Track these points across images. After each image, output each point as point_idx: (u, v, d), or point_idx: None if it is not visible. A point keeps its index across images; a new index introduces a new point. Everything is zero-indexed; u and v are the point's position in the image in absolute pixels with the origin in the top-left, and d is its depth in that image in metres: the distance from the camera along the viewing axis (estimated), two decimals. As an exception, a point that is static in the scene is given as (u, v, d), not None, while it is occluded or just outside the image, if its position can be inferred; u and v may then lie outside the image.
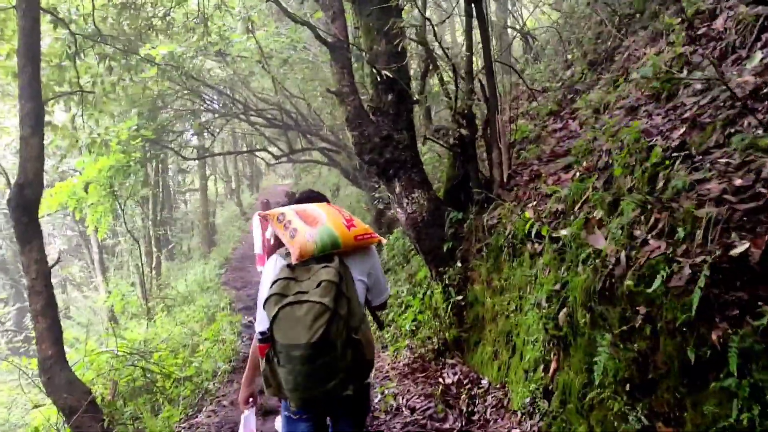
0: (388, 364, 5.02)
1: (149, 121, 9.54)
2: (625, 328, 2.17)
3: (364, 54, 4.85)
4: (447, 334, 4.65)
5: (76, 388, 4.82)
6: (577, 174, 3.73)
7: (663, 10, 5.30)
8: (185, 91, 10.57)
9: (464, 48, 4.85)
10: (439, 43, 4.48)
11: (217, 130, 13.04)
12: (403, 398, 4.28)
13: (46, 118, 7.02)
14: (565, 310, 3.07)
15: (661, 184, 2.69)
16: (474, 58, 4.97)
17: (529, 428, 3.19)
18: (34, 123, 5.08)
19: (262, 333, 2.02)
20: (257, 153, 17.22)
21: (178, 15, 8.41)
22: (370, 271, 2.19)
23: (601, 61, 6.01)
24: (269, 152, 12.42)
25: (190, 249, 20.59)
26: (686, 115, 3.27)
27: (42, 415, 6.45)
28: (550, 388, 3.12)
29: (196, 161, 17.02)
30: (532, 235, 3.48)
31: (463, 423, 3.69)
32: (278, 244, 2.37)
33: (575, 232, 2.90)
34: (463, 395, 3.95)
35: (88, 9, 7.20)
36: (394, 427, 3.91)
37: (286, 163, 17.03)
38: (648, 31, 5.33)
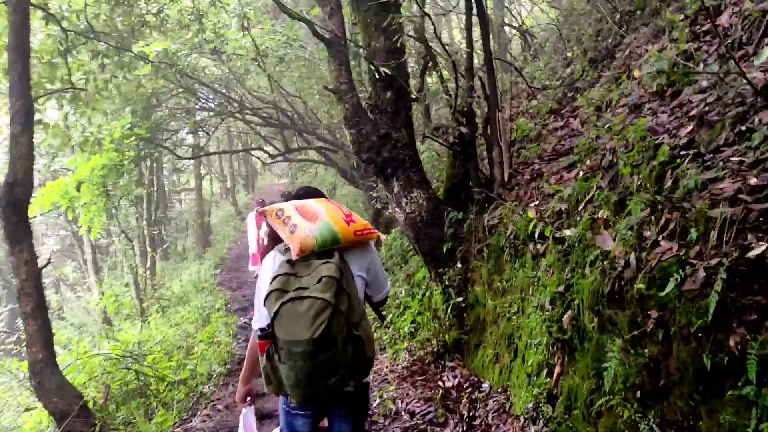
0: (387, 367, 4.93)
1: (143, 120, 9.41)
2: (636, 332, 2.09)
3: (362, 51, 4.76)
4: (447, 337, 4.57)
5: (67, 392, 4.72)
6: (581, 173, 3.65)
7: (664, 7, 5.23)
8: (180, 89, 10.44)
9: (463, 45, 4.77)
10: (439, 39, 4.39)
11: (212, 129, 12.91)
12: (402, 402, 4.20)
13: (38, 116, 6.89)
14: (569, 312, 2.99)
15: (669, 183, 2.61)
16: (473, 56, 4.89)
17: (532, 434, 3.11)
18: (24, 121, 4.97)
19: (262, 329, 2.01)
20: (253, 152, 17.10)
21: (172, 11, 8.29)
22: (369, 267, 2.19)
23: (602, 59, 5.94)
24: (265, 151, 12.31)
25: (185, 249, 20.44)
26: (693, 112, 3.19)
27: (33, 418, 6.34)
28: (554, 392, 3.04)
29: (191, 160, 16.87)
30: (535, 236, 3.40)
31: (465, 428, 3.61)
32: (271, 243, 2.34)
33: (581, 232, 2.82)
34: (464, 399, 3.87)
35: (80, 5, 7.08)
36: (394, 432, 3.83)
37: (282, 162, 16.91)
38: (649, 28, 5.26)
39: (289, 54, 9.27)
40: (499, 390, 3.80)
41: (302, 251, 1.97)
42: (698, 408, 1.87)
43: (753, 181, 2.05)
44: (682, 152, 2.74)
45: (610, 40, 6.02)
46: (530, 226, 3.47)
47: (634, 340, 2.12)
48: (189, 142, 16.04)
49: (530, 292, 3.63)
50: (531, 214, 3.61)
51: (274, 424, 4.16)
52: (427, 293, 5.17)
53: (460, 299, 4.50)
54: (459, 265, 4.52)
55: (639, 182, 2.82)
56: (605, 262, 2.40)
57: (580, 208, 3.34)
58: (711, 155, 2.55)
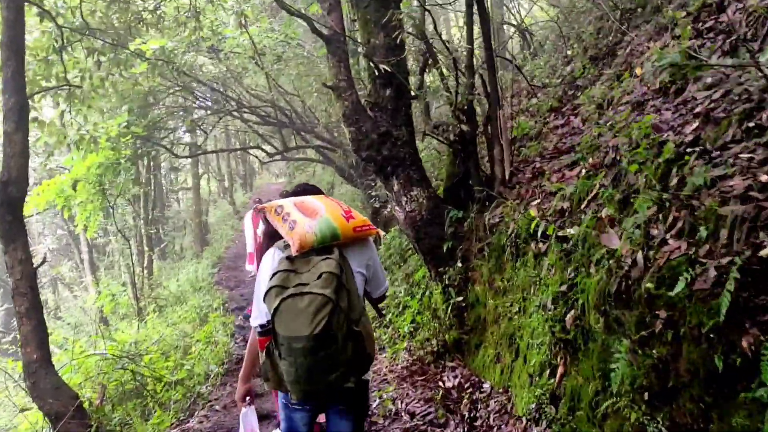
0: (386, 367, 4.88)
1: (140, 118, 9.33)
2: (644, 333, 2.04)
3: (361, 48, 4.70)
4: (447, 336, 4.52)
5: (63, 393, 4.64)
6: (583, 171, 3.61)
7: (665, 4, 5.19)
8: (177, 88, 10.37)
9: (464, 42, 4.72)
10: (440, 35, 4.34)
11: (210, 128, 12.83)
12: (402, 402, 4.15)
13: (33, 114, 6.81)
14: (572, 312, 2.94)
15: (674, 181, 2.57)
16: (473, 52, 4.83)
17: (535, 435, 3.07)
18: (18, 118, 4.90)
19: (262, 326, 2.02)
20: (251, 151, 17.01)
21: (169, 8, 8.21)
22: (368, 263, 2.18)
23: (603, 57, 5.90)
24: (263, 150, 12.24)
25: (182, 248, 20.36)
26: (698, 109, 3.15)
27: (28, 419, 6.27)
28: (557, 393, 3.00)
29: (189, 159, 16.79)
30: (537, 235, 3.35)
31: (466, 429, 3.57)
32: (267, 241, 2.32)
33: (585, 231, 2.77)
34: (465, 400, 3.82)
35: (76, 1, 7.00)
36: (394, 433, 3.78)
37: (280, 161, 16.85)
38: (651, 26, 5.22)
39: (287, 52, 9.20)
40: (501, 390, 3.75)
41: (302, 247, 1.96)
42: (710, 411, 1.82)
43: (764, 178, 2.00)
44: (688, 149, 2.69)
45: (610, 38, 5.98)
46: (532, 225, 3.42)
47: (642, 341, 2.07)
48: (186, 140, 15.95)
49: (532, 291, 3.58)
50: (533, 212, 3.56)
51: (272, 425, 4.11)
52: (427, 292, 5.12)
53: (461, 298, 4.45)
54: (459, 264, 4.48)
55: (644, 180, 2.78)
56: (611, 261, 2.35)
57: (583, 206, 3.29)
58: (718, 152, 2.50)
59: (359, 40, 4.73)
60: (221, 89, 11.58)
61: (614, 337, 2.24)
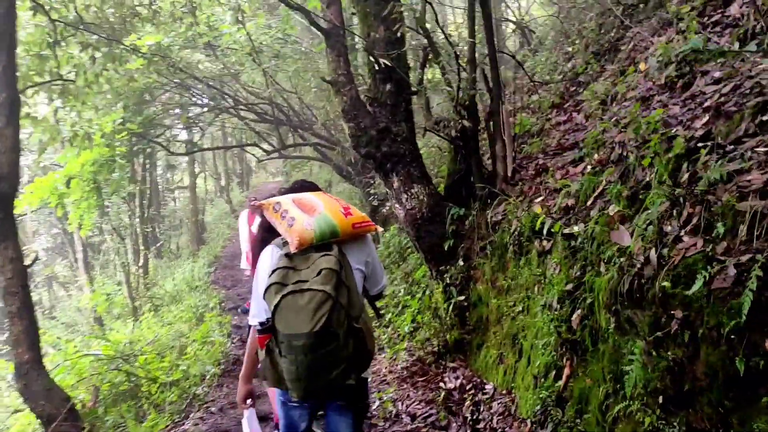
0: (386, 368, 4.79)
1: (135, 115, 9.20)
2: (659, 334, 1.95)
3: (361, 41, 4.61)
4: (448, 336, 4.43)
5: (55, 395, 4.55)
6: (589, 167, 3.53)
7: (668, -1, 5.11)
8: (173, 83, 10.24)
9: (465, 36, 4.63)
10: (442, 29, 4.25)
11: (207, 125, 12.70)
12: (402, 404, 4.06)
13: (27, 109, 6.69)
14: (579, 312, 2.86)
15: (685, 176, 2.49)
16: (475, 46, 4.74)
17: (541, 438, 2.98)
18: (8, 113, 4.79)
19: (261, 323, 1.99)
20: (248, 148, 16.88)
21: (165, 3, 8.08)
22: (367, 260, 2.18)
23: (605, 52, 5.83)
24: (260, 147, 12.11)
25: (178, 247, 20.23)
26: (707, 103, 3.07)
27: (21, 421, 6.16)
28: (563, 395, 2.92)
29: (185, 157, 16.65)
30: (543, 232, 3.27)
31: (468, 431, 3.48)
32: (261, 234, 2.27)
33: (593, 228, 2.69)
34: (467, 401, 3.74)
35: (70, -5, 6.87)
36: (394, 436, 3.69)
37: (277, 159, 16.73)
38: (654, 21, 5.15)
39: (284, 48, 9.09)
40: (504, 392, 3.67)
41: (301, 244, 1.94)
42: (729, 415, 1.74)
43: (784, 172, 1.92)
44: (699, 144, 2.61)
45: (613, 34, 5.90)
46: (537, 223, 3.34)
47: (657, 342, 1.99)
48: (183, 137, 15.81)
49: (536, 290, 3.50)
50: (538, 209, 3.48)
51: (270, 427, 4.01)
52: (428, 292, 5.04)
53: (462, 298, 4.37)
54: (461, 262, 4.39)
55: (653, 176, 2.70)
56: (623, 259, 2.27)
57: (589, 203, 3.22)
58: (732, 147, 2.42)
59: (359, 34, 4.63)
60: (218, 86, 11.45)
61: (627, 338, 2.15)
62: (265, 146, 12.06)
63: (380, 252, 7.19)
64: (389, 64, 4.34)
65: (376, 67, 4.41)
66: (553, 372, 3.05)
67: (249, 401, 2.32)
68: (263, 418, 4.35)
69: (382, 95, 4.51)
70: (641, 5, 5.81)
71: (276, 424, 3.55)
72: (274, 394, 3.06)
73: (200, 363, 6.24)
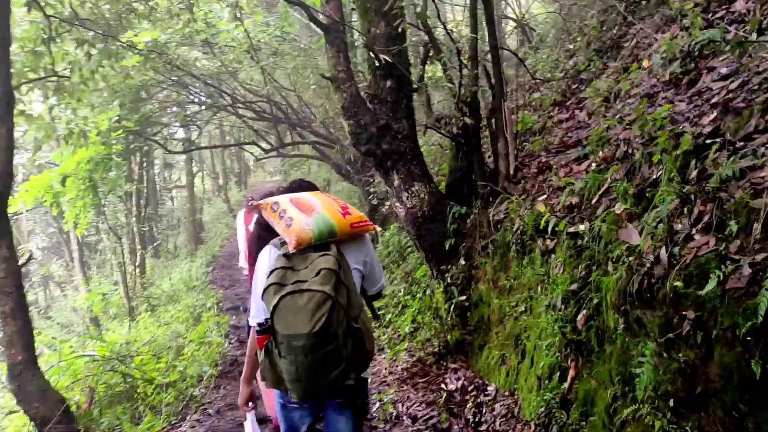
0: (386, 369, 4.73)
1: (132, 113, 9.11)
2: (671, 335, 1.89)
3: (360, 37, 4.54)
4: (449, 337, 4.37)
5: (49, 396, 4.48)
6: (593, 165, 3.47)
7: (672, -5, 5.06)
8: (170, 80, 10.15)
9: (466, 32, 4.57)
10: (443, 24, 4.18)
11: (204, 123, 12.61)
12: (403, 406, 4.00)
13: (21, 107, 6.60)
14: (584, 312, 2.80)
15: (694, 173, 2.43)
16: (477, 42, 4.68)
17: (545, 441, 2.92)
18: (2, 110, 4.72)
19: (260, 324, 2.00)
20: (246, 147, 16.80)
21: (162, 0, 7.99)
22: (365, 260, 2.17)
23: (607, 50, 5.78)
24: (258, 146, 12.03)
25: (176, 246, 20.13)
26: (714, 100, 3.02)
27: (16, 422, 6.08)
28: (568, 397, 2.86)
29: (183, 155, 16.55)
30: (548, 231, 3.20)
31: (470, 434, 3.42)
32: (258, 232, 2.24)
33: (599, 226, 2.63)
34: (469, 403, 3.68)
35: (65, -9, 6.77)
36: (395, 438, 3.63)
37: (276, 158, 16.65)
38: (657, 17, 5.10)
39: (283, 46, 9.01)
40: (506, 393, 3.61)
41: (299, 244, 1.93)
42: (745, 419, 1.68)
43: (799, 168, 1.86)
44: (707, 141, 2.56)
45: (615, 31, 5.86)
46: (542, 221, 3.28)
47: (668, 343, 1.93)
48: (180, 136, 15.71)
49: (539, 290, 3.45)
50: (542, 207, 3.42)
51: (268, 429, 3.95)
52: (428, 291, 4.98)
53: (464, 298, 4.31)
54: (462, 261, 4.33)
55: (660, 173, 2.64)
56: (632, 258, 2.21)
57: (594, 201, 3.16)
58: (742, 143, 2.36)
59: (359, 30, 4.57)
60: (215, 84, 11.37)
61: (636, 340, 2.09)
62: (264, 145, 11.99)
63: (380, 251, 7.13)
64: (390, 60, 4.27)
65: (377, 64, 4.34)
66: (558, 373, 2.99)
67: (250, 404, 2.29)
68: (261, 421, 4.29)
69: (383, 92, 4.44)
70: (644, 2, 5.77)
71: (275, 427, 3.48)
72: (271, 396, 2.99)
73: (197, 364, 6.17)
